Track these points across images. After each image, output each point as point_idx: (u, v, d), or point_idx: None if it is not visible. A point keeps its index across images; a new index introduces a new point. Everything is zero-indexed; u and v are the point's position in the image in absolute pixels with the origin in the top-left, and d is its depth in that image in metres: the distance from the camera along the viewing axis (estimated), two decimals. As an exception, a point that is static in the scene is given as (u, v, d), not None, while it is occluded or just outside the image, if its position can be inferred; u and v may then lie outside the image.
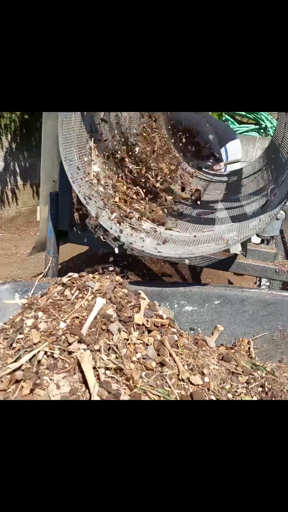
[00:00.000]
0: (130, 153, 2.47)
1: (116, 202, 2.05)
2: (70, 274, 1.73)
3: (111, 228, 1.84)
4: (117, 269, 1.85)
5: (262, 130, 6.59)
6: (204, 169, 3.46)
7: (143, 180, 2.42)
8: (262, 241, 2.00)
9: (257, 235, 1.78)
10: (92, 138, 2.09)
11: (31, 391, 1.29)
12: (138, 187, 2.35)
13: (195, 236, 1.96)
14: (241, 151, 4.13)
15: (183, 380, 1.38)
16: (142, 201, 2.22)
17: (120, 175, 2.32)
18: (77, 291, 1.62)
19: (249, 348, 1.65)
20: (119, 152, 2.38)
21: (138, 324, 1.52)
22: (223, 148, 3.78)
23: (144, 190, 2.37)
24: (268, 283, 2.99)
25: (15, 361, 1.41)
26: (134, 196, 2.24)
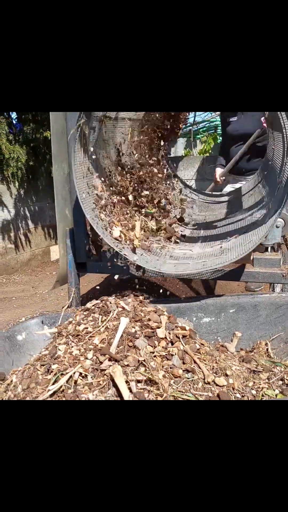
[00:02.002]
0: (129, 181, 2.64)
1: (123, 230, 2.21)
2: (93, 300, 1.88)
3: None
4: (135, 292, 1.99)
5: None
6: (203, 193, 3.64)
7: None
8: (267, 249, 2.14)
9: (261, 243, 1.92)
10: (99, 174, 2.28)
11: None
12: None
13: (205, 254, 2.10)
14: None
15: (209, 383, 1.49)
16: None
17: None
18: (102, 314, 1.77)
19: (267, 349, 1.77)
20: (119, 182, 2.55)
21: (161, 338, 1.65)
22: None
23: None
24: (281, 291, 3.09)
25: (53, 383, 1.55)
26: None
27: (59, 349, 1.68)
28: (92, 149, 2.20)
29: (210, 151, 6.89)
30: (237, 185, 3.79)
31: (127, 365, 1.53)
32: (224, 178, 3.80)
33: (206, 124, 7.37)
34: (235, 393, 1.48)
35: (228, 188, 3.88)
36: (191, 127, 7.07)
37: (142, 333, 1.64)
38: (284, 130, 1.73)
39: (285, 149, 1.69)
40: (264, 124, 3.40)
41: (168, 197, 2.90)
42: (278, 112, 1.74)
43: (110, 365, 1.54)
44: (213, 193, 3.74)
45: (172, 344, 1.63)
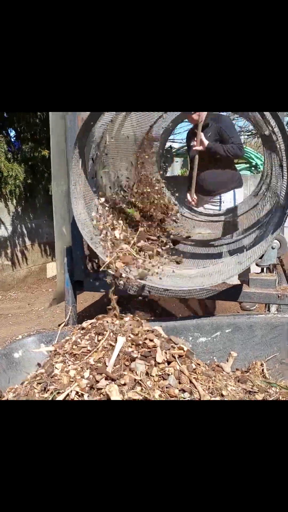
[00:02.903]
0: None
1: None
2: (88, 320, 1.89)
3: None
4: (132, 310, 2.01)
5: (253, 168, 6.90)
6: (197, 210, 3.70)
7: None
8: (263, 270, 2.16)
9: (257, 264, 1.94)
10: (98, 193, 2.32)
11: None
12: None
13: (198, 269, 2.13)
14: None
15: (204, 403, 1.50)
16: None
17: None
18: (98, 333, 1.78)
19: (262, 369, 1.78)
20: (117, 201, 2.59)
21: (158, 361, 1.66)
22: (231, 191, 3.86)
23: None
24: (276, 312, 3.11)
25: (50, 402, 1.55)
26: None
27: (56, 368, 1.68)
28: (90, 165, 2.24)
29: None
30: (208, 206, 3.91)
31: (124, 384, 1.54)
32: (196, 198, 3.83)
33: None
34: (230, 413, 1.48)
35: (201, 210, 3.92)
36: (187, 147, 7.14)
37: (138, 352, 1.65)
38: (280, 152, 1.78)
39: (284, 171, 1.73)
40: (196, 148, 3.61)
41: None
42: (274, 135, 1.78)
43: (107, 384, 1.54)
44: (209, 213, 3.79)
45: (169, 363, 1.64)
